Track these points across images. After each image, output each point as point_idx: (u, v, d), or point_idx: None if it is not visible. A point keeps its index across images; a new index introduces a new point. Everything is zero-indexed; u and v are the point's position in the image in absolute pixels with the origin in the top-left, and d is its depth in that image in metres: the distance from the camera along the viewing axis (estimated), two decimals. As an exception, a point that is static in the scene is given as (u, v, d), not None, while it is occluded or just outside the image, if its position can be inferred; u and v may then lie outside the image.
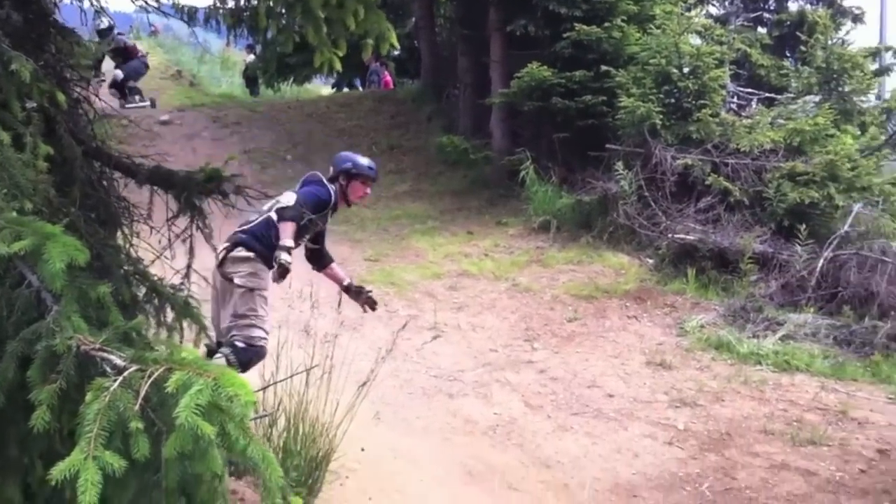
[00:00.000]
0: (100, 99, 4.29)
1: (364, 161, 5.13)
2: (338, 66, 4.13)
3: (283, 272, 4.44)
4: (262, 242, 4.66)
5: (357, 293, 5.20)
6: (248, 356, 4.46)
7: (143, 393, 2.00)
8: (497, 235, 9.66)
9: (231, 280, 4.59)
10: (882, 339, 6.84)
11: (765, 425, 5.67)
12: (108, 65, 14.48)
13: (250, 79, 17.66)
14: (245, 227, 4.73)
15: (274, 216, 4.70)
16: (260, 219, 4.74)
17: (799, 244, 8.07)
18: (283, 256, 4.42)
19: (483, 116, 12.06)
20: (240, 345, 4.45)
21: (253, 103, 15.42)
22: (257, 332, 4.54)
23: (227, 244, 4.65)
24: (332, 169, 5.09)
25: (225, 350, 4.41)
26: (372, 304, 5.22)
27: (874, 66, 11.93)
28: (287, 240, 4.49)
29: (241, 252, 4.64)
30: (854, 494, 4.85)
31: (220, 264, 4.63)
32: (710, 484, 5.03)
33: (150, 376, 2.05)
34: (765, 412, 5.87)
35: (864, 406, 5.93)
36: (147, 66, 15.07)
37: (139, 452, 1.96)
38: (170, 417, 2.06)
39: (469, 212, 10.47)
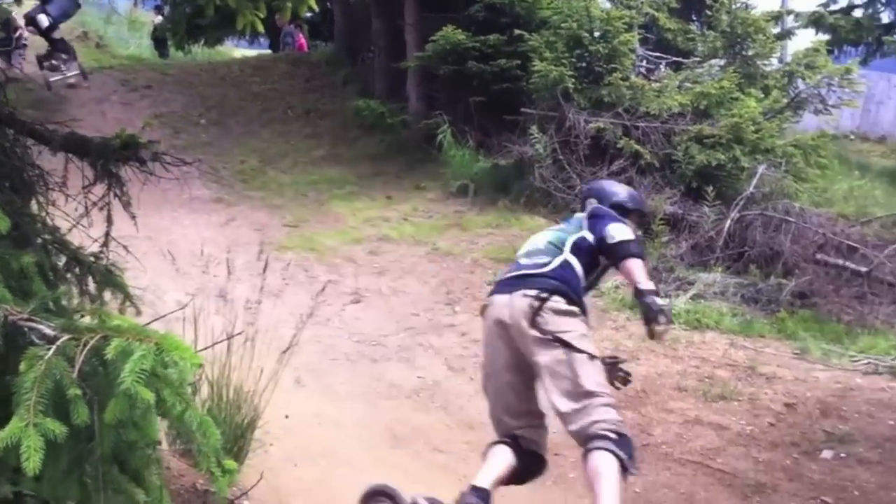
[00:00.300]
0: (10, 65, 4.12)
1: (636, 194, 4.28)
2: (260, 28, 4.07)
3: (668, 323, 3.48)
4: (577, 292, 3.62)
5: (610, 368, 3.85)
6: (630, 451, 3.37)
7: (79, 361, 1.99)
8: (416, 200, 9.68)
9: (558, 340, 3.45)
10: (787, 297, 7.14)
11: (678, 382, 5.88)
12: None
13: (159, 40, 17.09)
14: (543, 270, 3.63)
15: (571, 258, 3.67)
16: (557, 259, 3.67)
17: (707, 205, 8.31)
18: (661, 302, 3.46)
19: (398, 80, 11.99)
20: (612, 435, 3.32)
21: (163, 66, 14.96)
22: (618, 415, 3.44)
23: (534, 291, 3.53)
24: (592, 201, 4.02)
25: (604, 444, 3.29)
26: (625, 381, 3.88)
27: (776, 30, 12.23)
28: (649, 282, 3.52)
29: (561, 303, 3.53)
30: (764, 447, 5.09)
31: (533, 316, 3.48)
32: (628, 440, 5.20)
33: (84, 345, 2.03)
34: (678, 369, 6.08)
35: (771, 362, 6.20)
36: (79, 5, 12.52)
37: (79, 419, 1.96)
38: (103, 385, 2.05)
39: (387, 176, 10.44)
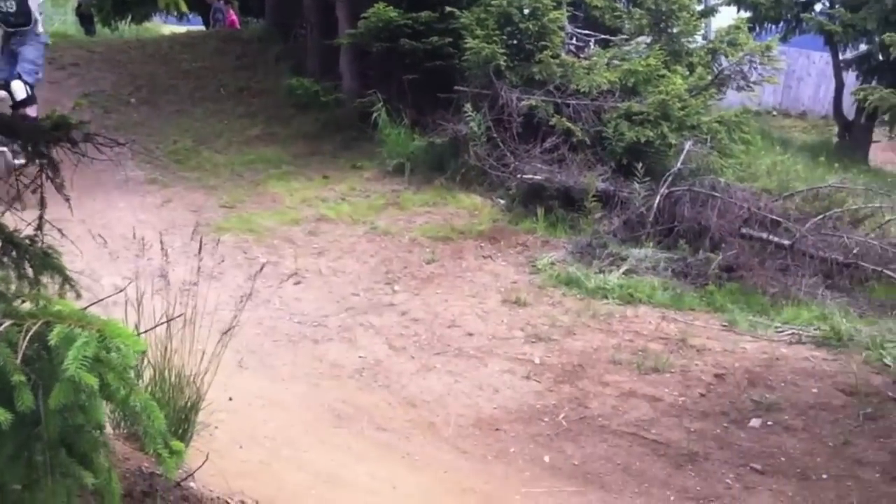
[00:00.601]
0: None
1: None
2: (183, 6, 4.03)
3: None
4: None
5: None
6: None
7: (22, 347, 1.99)
8: (353, 179, 9.65)
9: None
10: (714, 271, 7.30)
11: (613, 356, 6.03)
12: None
13: (85, 17, 16.63)
14: None
15: None
16: None
17: (637, 182, 8.46)
18: None
19: (331, 57, 11.86)
20: None
21: (90, 43, 14.54)
22: None
23: None
24: None
25: None
26: None
27: (700, 8, 12.43)
28: None
29: None
30: (696, 417, 5.26)
31: None
32: (565, 414, 5.34)
33: (27, 331, 2.03)
34: (612, 343, 6.23)
35: (701, 334, 6.38)
36: (47, 45, 9.62)
37: (24, 405, 1.96)
38: (47, 371, 2.06)
39: (323, 155, 10.39)
